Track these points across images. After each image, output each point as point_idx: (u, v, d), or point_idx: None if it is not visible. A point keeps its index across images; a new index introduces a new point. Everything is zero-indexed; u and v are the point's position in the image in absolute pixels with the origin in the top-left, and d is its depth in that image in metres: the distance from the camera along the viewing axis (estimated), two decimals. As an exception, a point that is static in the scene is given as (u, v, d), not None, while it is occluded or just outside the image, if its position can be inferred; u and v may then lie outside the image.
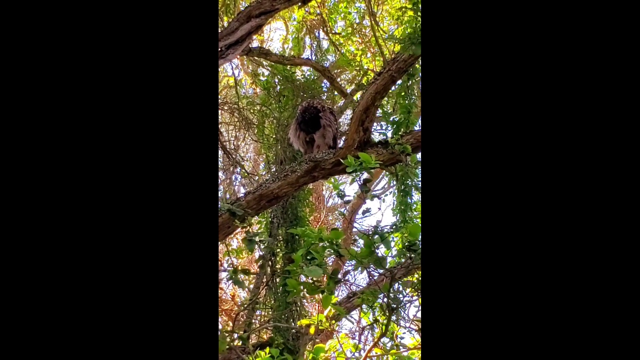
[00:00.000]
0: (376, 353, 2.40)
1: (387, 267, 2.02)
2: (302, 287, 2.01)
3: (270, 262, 3.75)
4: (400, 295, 2.09)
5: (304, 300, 3.73)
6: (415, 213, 3.13)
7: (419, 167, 2.46)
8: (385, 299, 2.03)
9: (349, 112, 4.42)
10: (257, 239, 2.16)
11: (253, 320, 3.64)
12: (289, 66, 4.49)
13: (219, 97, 5.38)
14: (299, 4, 3.28)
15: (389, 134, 3.12)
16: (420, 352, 2.28)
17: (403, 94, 3.18)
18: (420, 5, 2.59)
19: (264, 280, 3.72)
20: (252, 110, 4.65)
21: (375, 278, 2.53)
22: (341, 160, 2.38)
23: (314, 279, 1.94)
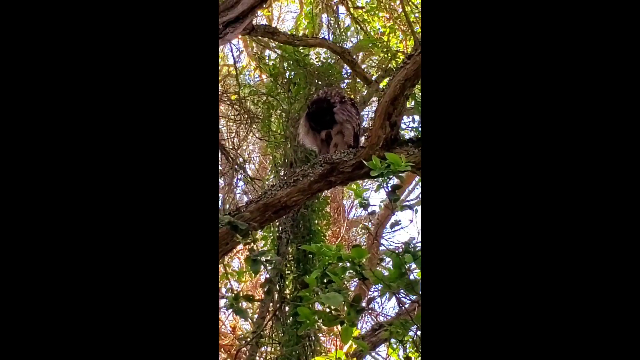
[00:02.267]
0: (407, 398, 2.38)
1: (420, 292, 2.00)
2: (316, 318, 2.00)
3: (278, 287, 3.75)
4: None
5: (319, 334, 3.73)
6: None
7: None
8: (418, 332, 2.01)
9: (374, 103, 4.42)
10: (263, 258, 2.15)
11: (257, 358, 3.65)
12: (300, 48, 4.49)
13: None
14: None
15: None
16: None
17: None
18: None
19: (271, 308, 3.72)
20: (255, 102, 4.66)
21: (407, 306, 2.51)
22: (364, 162, 2.37)
23: (332, 307, 1.93)
